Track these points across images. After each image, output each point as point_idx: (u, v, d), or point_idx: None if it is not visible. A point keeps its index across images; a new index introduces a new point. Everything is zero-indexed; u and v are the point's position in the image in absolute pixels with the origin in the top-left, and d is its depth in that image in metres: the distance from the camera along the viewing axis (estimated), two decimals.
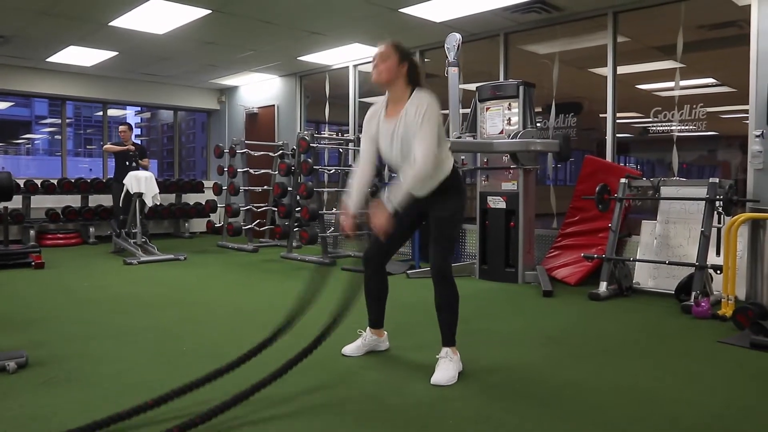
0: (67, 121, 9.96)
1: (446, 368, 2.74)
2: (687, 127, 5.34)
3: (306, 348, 2.69)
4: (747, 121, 4.85)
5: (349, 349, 3.13)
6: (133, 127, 8.06)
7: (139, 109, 17.02)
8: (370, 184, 3.00)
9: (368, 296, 3.09)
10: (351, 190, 2.94)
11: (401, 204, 2.67)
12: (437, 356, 2.79)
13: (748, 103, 4.83)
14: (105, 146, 7.96)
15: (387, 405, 2.46)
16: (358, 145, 7.40)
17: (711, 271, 4.39)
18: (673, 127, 5.40)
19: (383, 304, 3.12)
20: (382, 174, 7.50)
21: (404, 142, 2.77)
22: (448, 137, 5.26)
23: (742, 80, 4.88)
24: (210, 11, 5.83)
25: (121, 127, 7.87)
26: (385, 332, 3.19)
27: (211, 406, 2.23)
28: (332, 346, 3.20)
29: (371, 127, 2.93)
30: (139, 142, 8.15)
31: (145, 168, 7.86)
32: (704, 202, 4.56)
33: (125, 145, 7.70)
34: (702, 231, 4.48)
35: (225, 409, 2.24)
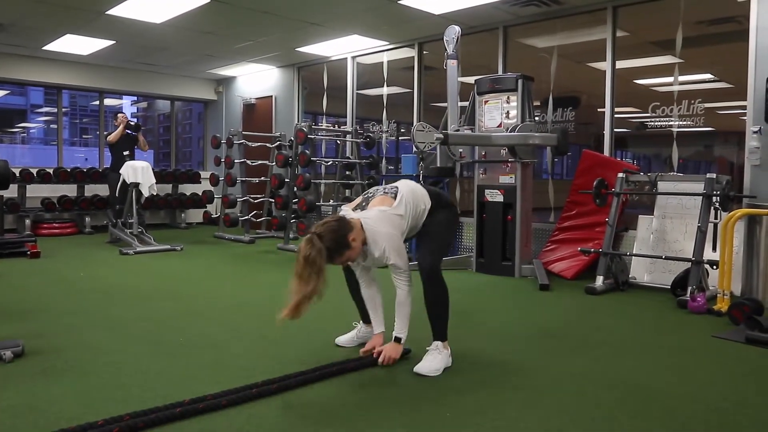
0: (63, 110, 9.90)
1: (433, 359, 2.76)
2: (685, 123, 5.34)
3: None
4: (745, 117, 4.86)
5: (342, 340, 3.16)
6: (128, 117, 8.04)
7: (135, 98, 16.94)
8: (379, 295, 3.01)
9: (353, 293, 3.11)
10: (370, 311, 3.00)
11: (406, 331, 2.81)
12: (427, 348, 2.81)
13: (745, 99, 4.83)
14: (109, 138, 7.87)
15: (382, 396, 2.47)
16: (356, 137, 7.41)
17: (707, 266, 4.40)
18: (672, 123, 5.41)
19: None
20: (379, 167, 7.50)
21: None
22: (447, 130, 5.26)
23: (741, 76, 4.88)
24: (208, 0, 5.79)
25: (119, 115, 7.84)
26: None
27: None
28: (326, 336, 3.21)
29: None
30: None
31: (143, 147, 7.91)
32: (701, 197, 4.57)
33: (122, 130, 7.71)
34: (698, 226, 4.49)
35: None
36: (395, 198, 2.79)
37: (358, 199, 2.93)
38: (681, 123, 5.36)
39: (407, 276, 2.77)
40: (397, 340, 2.81)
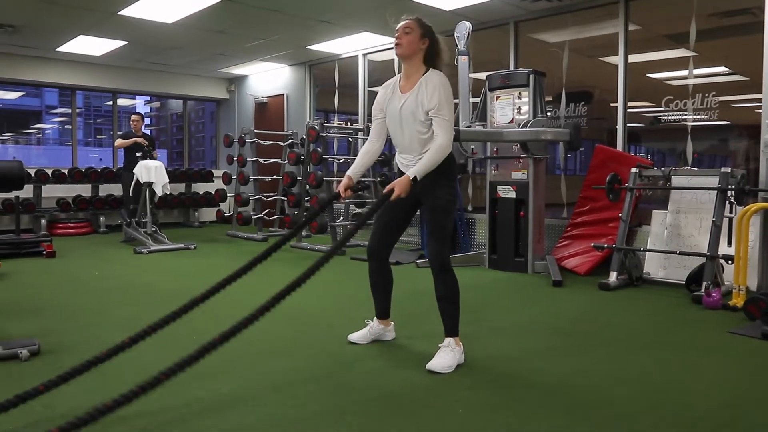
0: (77, 110, 10.00)
1: (445, 356, 2.76)
2: (699, 116, 5.29)
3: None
4: (760, 111, 4.80)
5: (355, 336, 3.16)
6: (144, 116, 8.07)
7: (148, 98, 17.06)
8: (375, 156, 3.12)
9: (374, 288, 3.14)
10: (356, 158, 3.08)
11: (421, 174, 2.69)
12: (439, 345, 2.80)
13: (760, 92, 4.77)
14: (116, 143, 7.93)
15: (394, 393, 2.47)
16: (367, 135, 7.40)
17: (722, 261, 4.36)
18: (686, 116, 5.35)
19: (389, 296, 3.15)
20: (392, 164, 7.49)
21: (411, 119, 2.82)
22: (457, 126, 5.25)
23: (755, 69, 4.82)
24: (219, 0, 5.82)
25: (133, 116, 7.88)
26: (392, 322, 3.21)
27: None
28: (340, 334, 3.22)
29: (383, 100, 2.97)
30: (148, 132, 8.12)
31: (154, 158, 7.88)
32: (716, 191, 4.52)
33: (136, 135, 7.69)
34: (713, 221, 4.44)
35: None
36: None
37: None
38: (695, 117, 5.31)
39: (449, 128, 2.80)
40: (413, 179, 2.67)
